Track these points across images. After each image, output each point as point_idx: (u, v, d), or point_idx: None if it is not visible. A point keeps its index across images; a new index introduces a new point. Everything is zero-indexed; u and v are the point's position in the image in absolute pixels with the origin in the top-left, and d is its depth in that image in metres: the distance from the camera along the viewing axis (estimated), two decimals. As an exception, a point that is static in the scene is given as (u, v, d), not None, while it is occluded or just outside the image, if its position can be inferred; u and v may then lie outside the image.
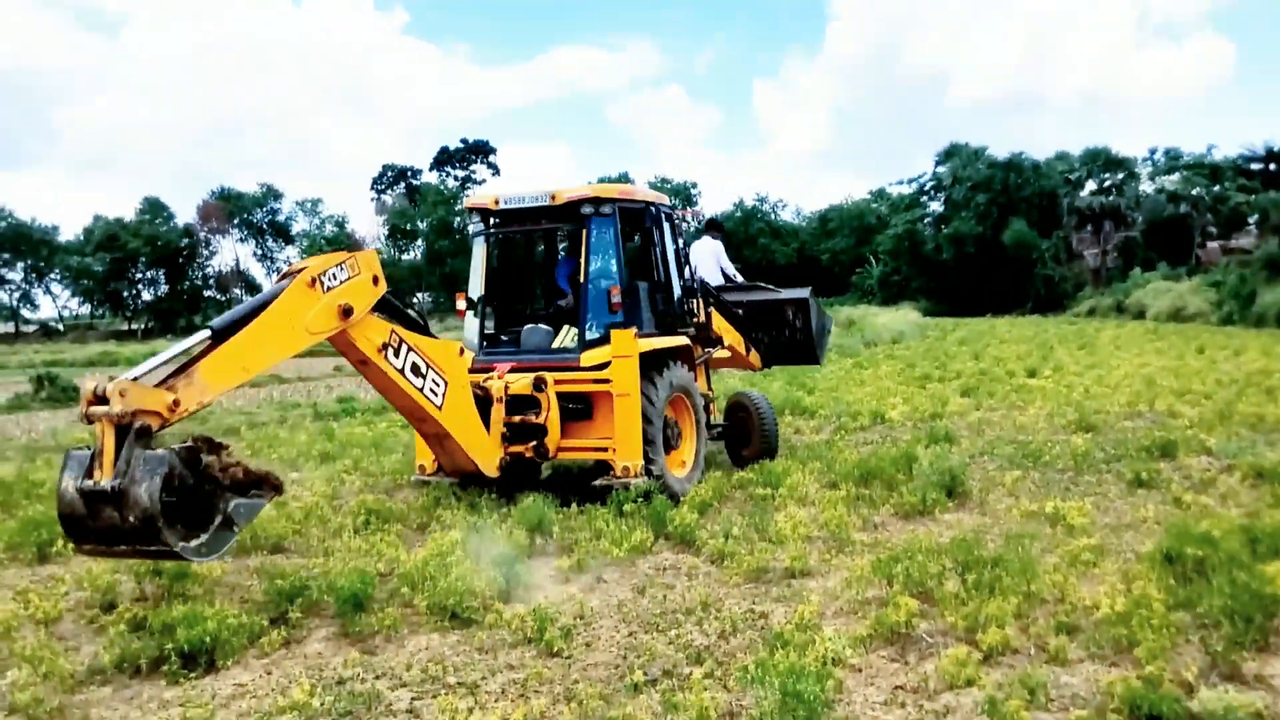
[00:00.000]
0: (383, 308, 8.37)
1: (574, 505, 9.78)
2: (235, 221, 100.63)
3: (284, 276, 7.64)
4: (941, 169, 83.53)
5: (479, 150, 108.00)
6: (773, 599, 7.20)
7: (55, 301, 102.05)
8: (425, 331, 8.92)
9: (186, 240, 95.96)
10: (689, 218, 12.56)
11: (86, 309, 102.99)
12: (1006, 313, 65.55)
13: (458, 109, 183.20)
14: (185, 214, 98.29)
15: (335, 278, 7.78)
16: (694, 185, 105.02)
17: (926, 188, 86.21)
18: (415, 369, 8.63)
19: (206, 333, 6.90)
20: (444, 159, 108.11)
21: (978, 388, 19.78)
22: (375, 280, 8.17)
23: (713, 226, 14.27)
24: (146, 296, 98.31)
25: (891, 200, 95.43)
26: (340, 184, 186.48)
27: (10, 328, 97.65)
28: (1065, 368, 23.70)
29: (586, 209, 10.35)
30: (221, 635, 6.26)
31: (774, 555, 8.08)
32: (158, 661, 6.13)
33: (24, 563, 8.76)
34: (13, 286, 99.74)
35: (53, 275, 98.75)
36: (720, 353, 12.67)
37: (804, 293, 13.93)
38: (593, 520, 9.10)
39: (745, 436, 12.48)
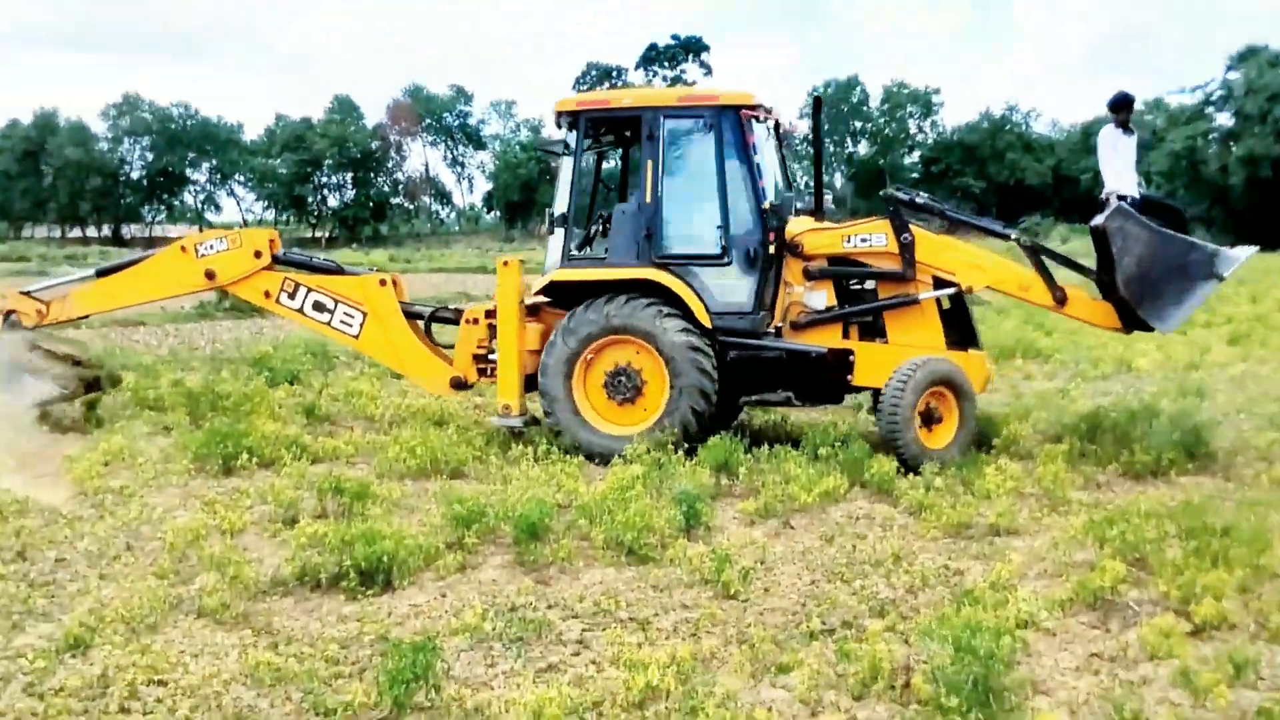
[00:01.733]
0: (282, 262, 11.88)
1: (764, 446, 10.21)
2: (425, 124, 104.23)
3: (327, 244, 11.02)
4: (1234, 75, 78.85)
5: (691, 48, 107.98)
6: (971, 556, 7.51)
7: (240, 205, 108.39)
8: (337, 273, 11.86)
9: (376, 143, 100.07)
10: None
11: (271, 214, 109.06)
12: (1304, 248, 62.11)
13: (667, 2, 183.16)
14: (374, 112, 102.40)
15: (212, 248, 11.65)
16: (936, 91, 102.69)
17: (1214, 98, 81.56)
18: (318, 306, 11.53)
19: (93, 273, 12.20)
20: (652, 57, 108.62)
21: (1248, 335, 19.20)
22: (257, 254, 11.62)
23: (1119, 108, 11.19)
24: (332, 202, 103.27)
25: (1170, 112, 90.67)
26: (540, 81, 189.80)
27: (195, 230, 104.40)
28: (1361, 317, 22.62)
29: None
30: (399, 555, 7.01)
31: (978, 510, 8.36)
32: (337, 577, 6.92)
33: (210, 474, 9.81)
34: (197, 188, 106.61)
35: (237, 177, 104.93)
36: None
37: (1099, 218, 10.25)
38: (782, 463, 9.52)
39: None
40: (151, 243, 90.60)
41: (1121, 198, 10.43)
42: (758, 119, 10.91)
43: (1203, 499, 8.18)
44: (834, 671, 5.49)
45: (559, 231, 11.22)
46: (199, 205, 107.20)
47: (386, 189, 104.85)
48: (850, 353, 10.63)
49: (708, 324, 10.56)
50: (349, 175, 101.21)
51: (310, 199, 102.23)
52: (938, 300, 10.81)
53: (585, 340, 10.67)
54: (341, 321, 11.49)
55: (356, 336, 11.60)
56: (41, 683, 5.41)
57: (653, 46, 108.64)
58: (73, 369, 11.66)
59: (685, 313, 10.54)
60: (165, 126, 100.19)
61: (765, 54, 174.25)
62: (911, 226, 10.78)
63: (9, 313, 11.82)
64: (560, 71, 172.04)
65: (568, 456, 10.07)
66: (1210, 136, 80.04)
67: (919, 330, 10.72)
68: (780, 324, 10.88)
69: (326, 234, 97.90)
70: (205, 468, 9.89)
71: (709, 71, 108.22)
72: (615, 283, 10.79)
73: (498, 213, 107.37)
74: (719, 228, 10.82)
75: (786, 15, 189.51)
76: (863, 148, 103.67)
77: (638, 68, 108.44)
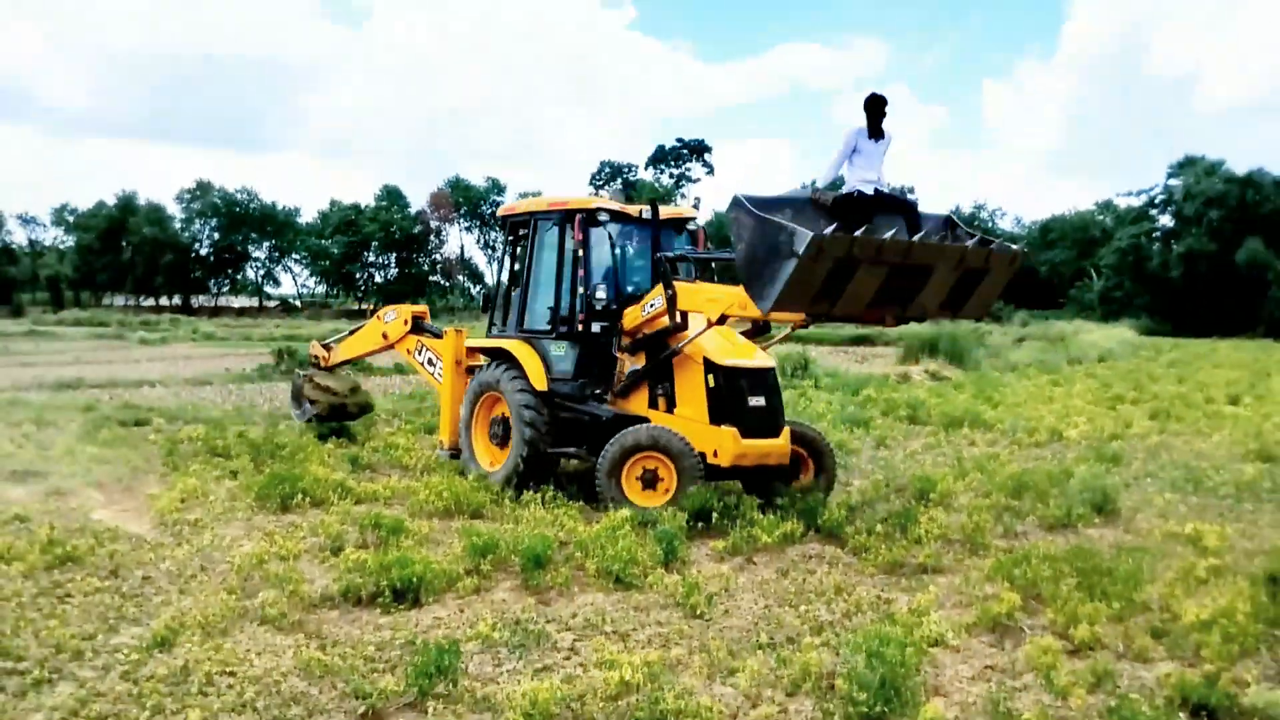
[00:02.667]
0: (416, 329, 14.26)
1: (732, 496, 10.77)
2: (463, 211, 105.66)
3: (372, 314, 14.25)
4: (1174, 181, 79.95)
5: (695, 149, 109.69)
6: (900, 589, 8.08)
7: (295, 280, 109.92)
8: (436, 335, 13.85)
9: (418, 227, 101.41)
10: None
11: (322, 288, 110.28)
12: (1235, 336, 62.63)
13: (680, 105, 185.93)
14: (417, 201, 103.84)
15: (386, 318, 14.78)
16: (910, 189, 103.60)
17: (1156, 200, 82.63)
18: (429, 361, 13.79)
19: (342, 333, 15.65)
20: (660, 157, 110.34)
21: (1168, 412, 19.72)
22: (406, 322, 14.36)
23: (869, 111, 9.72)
24: (378, 279, 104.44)
25: (1118, 212, 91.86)
26: (561, 177, 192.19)
27: (254, 302, 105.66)
28: (1272, 397, 23.14)
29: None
30: (426, 578, 7.62)
31: (910, 552, 8.94)
32: (374, 595, 7.51)
33: (269, 511, 10.41)
34: (258, 264, 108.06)
35: (294, 255, 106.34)
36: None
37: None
38: (749, 510, 10.10)
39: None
40: (216, 311, 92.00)
41: (853, 193, 9.39)
42: (600, 222, 11.64)
43: (1093, 545, 8.74)
44: (773, 674, 6.09)
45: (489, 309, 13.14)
46: (259, 279, 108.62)
47: (426, 267, 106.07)
48: (644, 419, 10.93)
49: (542, 387, 11.49)
50: (393, 255, 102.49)
51: (358, 275, 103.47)
52: (706, 381, 10.56)
53: (474, 395, 12.28)
54: (438, 373, 13.58)
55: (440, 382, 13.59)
56: (135, 671, 6.01)
57: (660, 148, 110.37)
58: (327, 396, 15.25)
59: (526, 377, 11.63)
60: (231, 209, 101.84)
61: (765, 152, 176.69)
62: (675, 282, 10.62)
63: (314, 356, 16.44)
64: (582, 168, 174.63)
65: (570, 502, 10.66)
66: (1153, 235, 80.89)
67: (694, 405, 10.67)
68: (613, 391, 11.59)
69: (371, 306, 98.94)
70: (265, 505, 10.49)
71: (711, 170, 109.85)
72: (497, 350, 12.15)
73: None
74: (549, 308, 11.87)
75: (786, 119, 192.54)
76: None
77: (647, 166, 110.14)
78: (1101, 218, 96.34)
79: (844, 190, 9.44)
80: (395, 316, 14.67)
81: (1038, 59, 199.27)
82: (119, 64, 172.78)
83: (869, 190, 9.41)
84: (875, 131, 9.52)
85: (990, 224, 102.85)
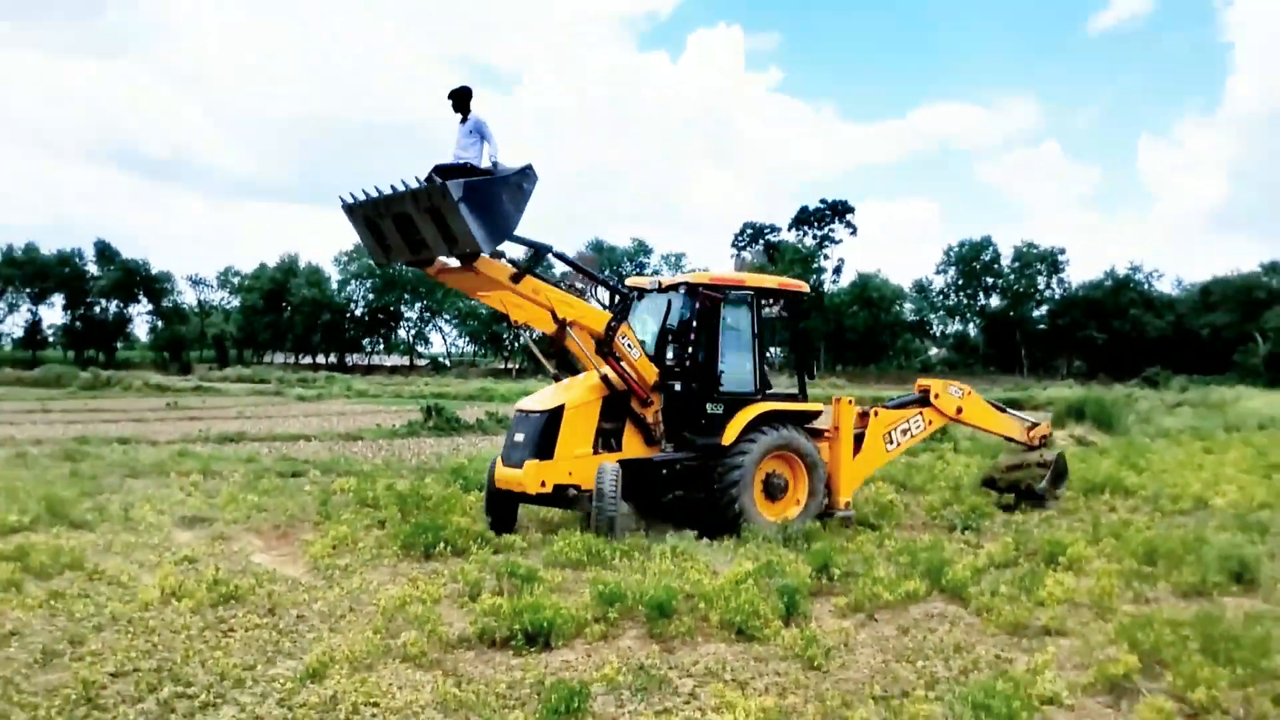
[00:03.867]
0: None
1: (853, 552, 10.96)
2: (607, 272, 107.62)
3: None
4: (1346, 241, 76.68)
5: (837, 209, 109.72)
6: (1020, 649, 8.16)
7: (445, 339, 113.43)
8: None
9: (566, 289, 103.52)
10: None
11: (471, 348, 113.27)
12: None
13: (824, 165, 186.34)
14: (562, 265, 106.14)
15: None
16: (1062, 251, 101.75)
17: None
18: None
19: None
20: (803, 218, 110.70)
21: (1326, 480, 19.00)
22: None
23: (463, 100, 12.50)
24: (521, 339, 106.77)
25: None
26: (704, 238, 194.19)
27: (405, 361, 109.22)
28: None
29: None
30: (556, 623, 8.05)
31: (1034, 614, 8.99)
32: (508, 638, 7.97)
33: (414, 558, 11.03)
34: (409, 324, 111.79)
35: (444, 315, 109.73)
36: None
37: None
38: (871, 568, 10.27)
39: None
40: (369, 370, 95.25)
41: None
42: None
43: (1218, 610, 8.66)
44: (883, 724, 6.30)
45: None
46: (410, 339, 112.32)
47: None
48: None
49: None
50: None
51: (505, 336, 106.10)
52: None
53: None
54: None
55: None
56: (289, 699, 6.58)
57: (804, 209, 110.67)
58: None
59: None
60: (385, 271, 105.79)
61: (908, 212, 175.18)
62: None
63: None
64: (725, 229, 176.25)
65: (696, 556, 10.98)
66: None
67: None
68: None
69: (517, 366, 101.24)
70: (410, 553, 11.11)
71: (854, 231, 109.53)
72: None
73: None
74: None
75: (931, 178, 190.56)
76: (994, 300, 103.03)
77: (790, 228, 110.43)
78: (1267, 279, 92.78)
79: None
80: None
81: (1199, 114, 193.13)
82: (278, 130, 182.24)
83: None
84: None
85: (1148, 285, 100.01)
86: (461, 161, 12.07)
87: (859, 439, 14.28)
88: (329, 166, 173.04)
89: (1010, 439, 16.85)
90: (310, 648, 7.65)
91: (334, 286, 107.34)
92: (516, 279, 12.26)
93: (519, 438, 12.76)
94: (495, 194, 11.54)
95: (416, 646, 7.63)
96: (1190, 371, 79.88)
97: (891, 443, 14.80)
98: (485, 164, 12.11)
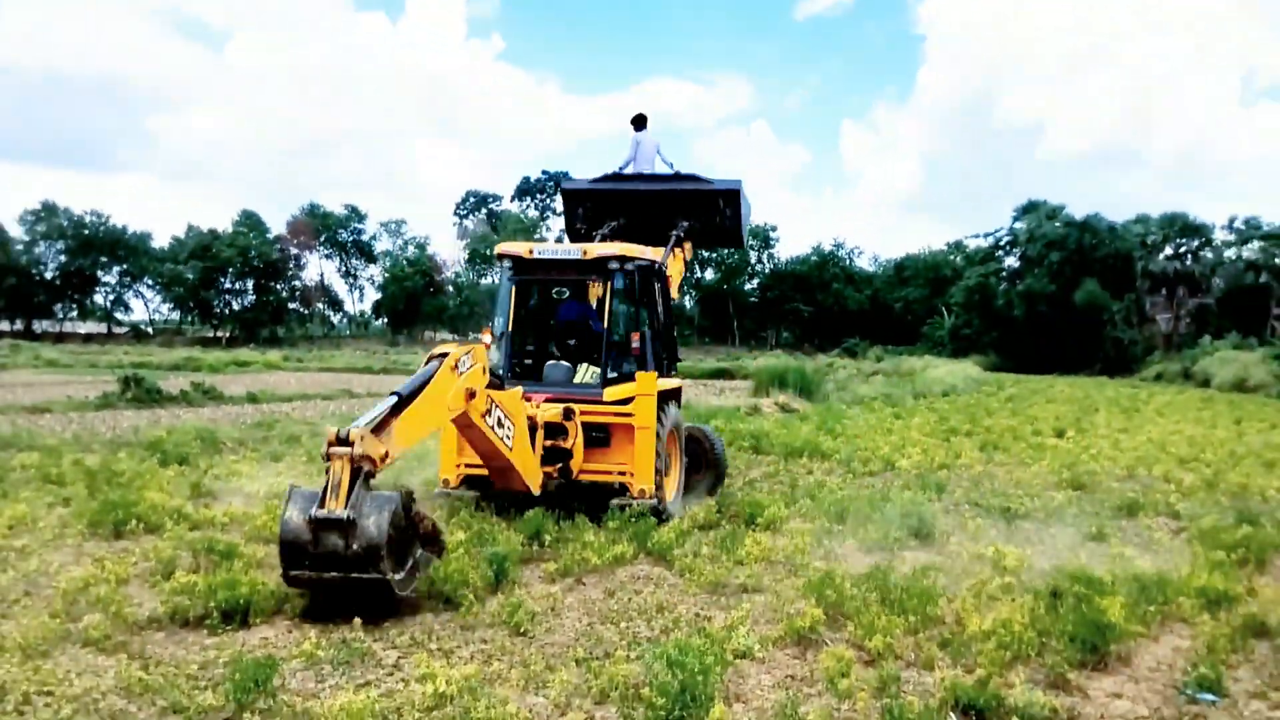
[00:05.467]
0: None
1: (565, 520, 11.10)
2: (322, 239, 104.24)
3: (431, 358, 9.20)
4: (1019, 224, 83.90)
5: (559, 181, 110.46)
6: (719, 607, 8.52)
7: (147, 305, 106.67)
8: (500, 385, 10.55)
9: (277, 253, 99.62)
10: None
11: (176, 314, 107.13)
12: (1074, 373, 65.94)
13: (545, 137, 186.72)
14: (275, 227, 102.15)
15: (464, 364, 9.33)
16: (773, 228, 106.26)
17: (1002, 242, 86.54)
18: (500, 423, 10.07)
19: (394, 398, 8.39)
20: (525, 189, 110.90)
21: (996, 444, 20.81)
22: (484, 370, 9.77)
23: (643, 122, 15.19)
24: (235, 306, 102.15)
25: (968, 253, 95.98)
26: (425, 207, 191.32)
27: (103, 328, 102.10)
28: (1094, 430, 24.57)
29: (613, 265, 11.78)
30: (255, 600, 7.76)
31: (733, 573, 9.40)
32: (202, 617, 7.62)
33: (102, 537, 10.34)
34: (107, 289, 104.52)
35: (146, 281, 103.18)
36: None
37: (736, 184, 14.93)
38: (581, 533, 10.46)
39: (698, 464, 13.97)
40: (61, 338, 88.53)
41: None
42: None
43: (893, 564, 9.36)
44: (584, 685, 6.44)
45: (495, 347, 11.91)
46: (108, 304, 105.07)
47: (285, 295, 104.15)
48: None
49: None
50: (251, 282, 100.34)
51: (215, 302, 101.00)
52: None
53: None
54: (506, 435, 10.24)
55: (510, 449, 10.43)
56: (-53, 692, 6.04)
57: (526, 179, 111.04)
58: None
59: None
60: (79, 232, 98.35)
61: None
62: None
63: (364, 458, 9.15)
64: (446, 197, 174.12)
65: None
66: (1000, 275, 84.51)
67: None
68: None
69: (227, 334, 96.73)
70: (98, 532, 10.42)
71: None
72: None
73: (385, 319, 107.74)
74: None
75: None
76: (709, 274, 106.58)
77: (514, 199, 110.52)
78: (953, 258, 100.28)
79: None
80: (471, 361, 9.57)
81: (895, 101, 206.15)
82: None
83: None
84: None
85: (849, 261, 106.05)
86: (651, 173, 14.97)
87: None
88: (12, 120, 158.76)
89: None
90: (-24, 637, 7.06)
91: (19, 247, 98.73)
92: None
93: None
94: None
95: (99, 630, 7.18)
96: (885, 342, 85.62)
97: None
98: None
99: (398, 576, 7.69)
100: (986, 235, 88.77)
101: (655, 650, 6.76)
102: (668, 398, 12.28)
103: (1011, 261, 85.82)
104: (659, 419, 11.70)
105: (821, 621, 7.68)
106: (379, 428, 8.01)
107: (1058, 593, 8.19)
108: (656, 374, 11.86)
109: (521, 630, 7.62)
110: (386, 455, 7.95)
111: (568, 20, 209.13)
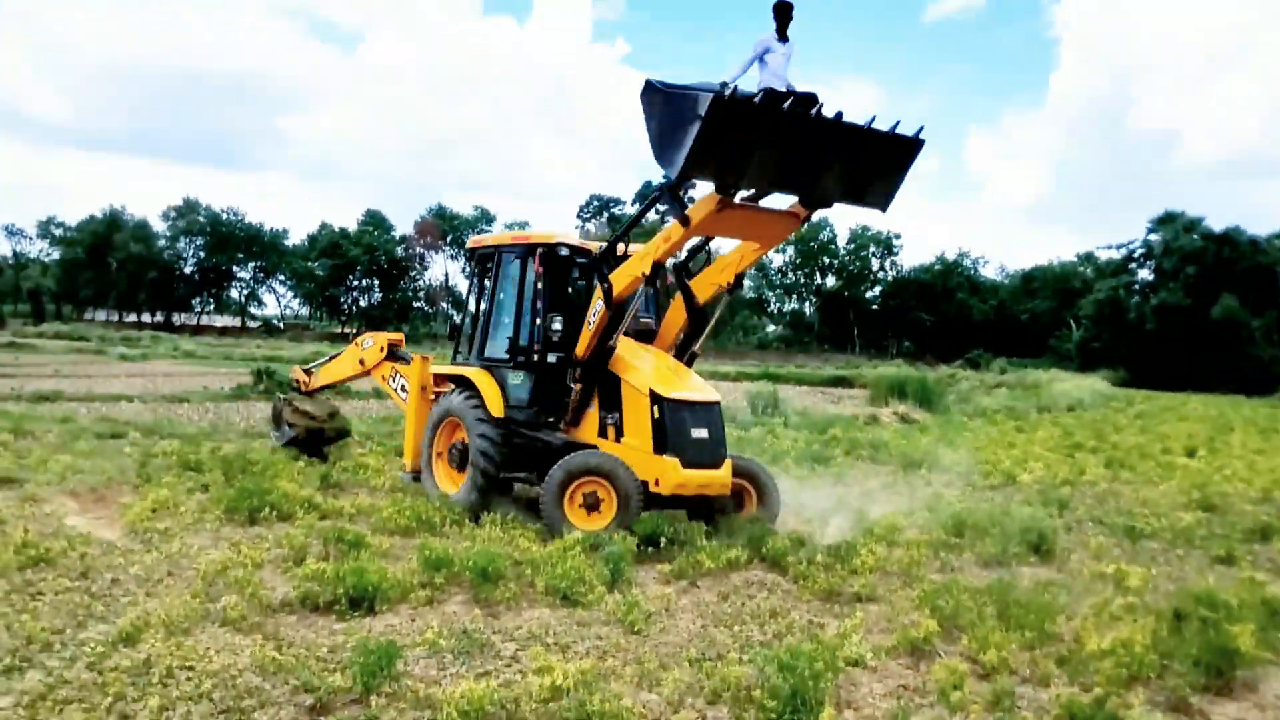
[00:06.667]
0: (392, 357, 14.64)
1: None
2: (448, 239, 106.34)
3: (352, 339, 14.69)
4: (1154, 236, 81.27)
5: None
6: (832, 615, 8.55)
7: (279, 301, 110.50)
8: (408, 361, 14.25)
9: (403, 253, 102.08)
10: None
11: (306, 310, 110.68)
12: (1209, 391, 63.53)
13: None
14: (402, 226, 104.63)
15: (364, 345, 15.09)
16: (897, 235, 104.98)
17: (1136, 254, 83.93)
18: (403, 387, 14.16)
19: (323, 359, 15.97)
20: (646, 194, 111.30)
21: (1123, 461, 20.30)
22: (382, 349, 14.74)
23: (789, 17, 10.30)
24: (361, 303, 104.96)
25: (1099, 264, 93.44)
26: (548, 208, 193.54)
27: (237, 322, 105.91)
28: (1228, 450, 23.77)
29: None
30: (382, 588, 8.07)
31: (847, 582, 9.41)
32: (331, 602, 7.95)
33: (238, 523, 10.82)
34: (242, 284, 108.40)
35: (279, 277, 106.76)
36: None
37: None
38: (696, 536, 10.58)
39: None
40: (199, 330, 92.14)
41: (767, 90, 9.81)
42: (560, 256, 12.15)
43: (1011, 579, 9.25)
44: (697, 685, 6.56)
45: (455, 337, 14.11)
46: (243, 299, 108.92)
47: (410, 293, 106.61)
48: (593, 447, 11.38)
49: (499, 414, 12.03)
50: (377, 280, 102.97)
51: (342, 299, 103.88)
52: (651, 412, 10.89)
53: (436, 420, 12.85)
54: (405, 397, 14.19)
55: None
56: (100, 663, 6.43)
57: (648, 183, 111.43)
58: (306, 420, 15.59)
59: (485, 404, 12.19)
60: (217, 229, 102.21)
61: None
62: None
63: (295, 380, 16.49)
64: (570, 200, 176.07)
65: (528, 525, 11.10)
66: (1132, 287, 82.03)
67: (639, 435, 11.00)
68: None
69: (355, 330, 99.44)
70: (234, 518, 10.90)
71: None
72: (459, 377, 12.78)
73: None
74: (509, 338, 12.33)
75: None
76: (830, 281, 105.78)
77: (634, 203, 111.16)
78: (1083, 269, 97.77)
79: (728, 81, 9.55)
80: (373, 343, 15.00)
81: (1026, 108, 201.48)
82: (102, 77, 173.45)
83: (781, 88, 10.00)
84: (783, 37, 10.23)
85: (974, 271, 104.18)
86: (790, 88, 10.09)
87: None
88: (154, 117, 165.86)
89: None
90: (124, 612, 7.47)
91: (161, 243, 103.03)
92: None
93: (702, 433, 11.00)
94: None
95: (236, 610, 7.53)
96: (1010, 354, 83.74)
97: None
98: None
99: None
100: (1119, 247, 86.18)
101: (767, 654, 6.84)
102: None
103: (1145, 274, 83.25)
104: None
105: (936, 633, 7.67)
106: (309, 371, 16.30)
107: (1181, 615, 8.01)
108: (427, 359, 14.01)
109: (636, 629, 7.77)
110: (309, 382, 16.24)
111: (692, 24, 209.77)
